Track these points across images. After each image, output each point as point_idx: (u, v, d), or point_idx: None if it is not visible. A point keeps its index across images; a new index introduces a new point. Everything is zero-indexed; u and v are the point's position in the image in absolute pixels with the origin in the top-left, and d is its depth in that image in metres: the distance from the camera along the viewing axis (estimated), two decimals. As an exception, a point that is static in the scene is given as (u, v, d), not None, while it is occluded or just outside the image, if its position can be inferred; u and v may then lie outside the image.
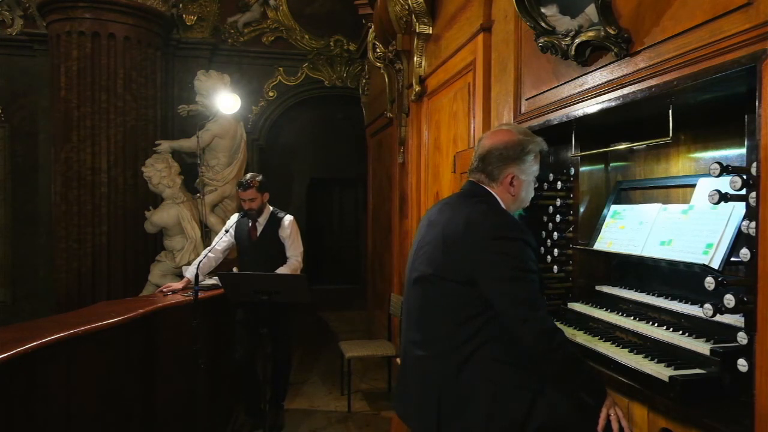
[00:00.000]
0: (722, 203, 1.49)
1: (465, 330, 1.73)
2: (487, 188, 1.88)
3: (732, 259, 1.64)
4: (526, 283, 1.69)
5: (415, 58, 3.92)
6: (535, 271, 1.73)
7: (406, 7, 3.78)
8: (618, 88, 1.88)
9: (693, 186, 1.98)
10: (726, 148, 1.86)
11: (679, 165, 2.11)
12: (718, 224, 1.73)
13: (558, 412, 1.69)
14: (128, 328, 2.91)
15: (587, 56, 2.02)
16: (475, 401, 1.69)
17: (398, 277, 4.64)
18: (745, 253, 1.41)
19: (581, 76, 2.09)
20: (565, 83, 2.20)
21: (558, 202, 2.46)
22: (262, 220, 4.02)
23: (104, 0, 5.87)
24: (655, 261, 2.02)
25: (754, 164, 1.37)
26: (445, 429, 1.72)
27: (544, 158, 1.96)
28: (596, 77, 2.00)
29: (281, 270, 3.90)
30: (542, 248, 2.54)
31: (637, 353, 1.79)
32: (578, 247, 2.41)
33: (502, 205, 1.87)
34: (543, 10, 2.09)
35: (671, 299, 1.92)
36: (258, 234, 4.01)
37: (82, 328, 2.54)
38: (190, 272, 3.82)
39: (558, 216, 2.46)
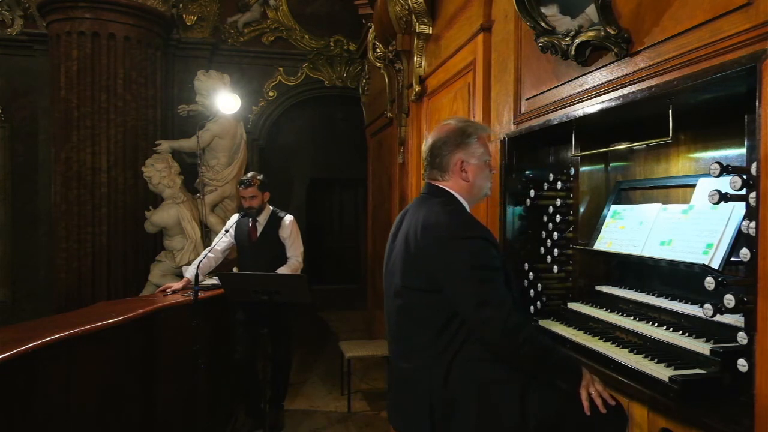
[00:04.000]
0: (722, 203, 1.49)
1: (442, 337, 1.71)
2: (443, 186, 1.87)
3: (732, 259, 1.64)
4: (486, 283, 1.67)
5: (415, 58, 3.92)
6: (496, 268, 1.70)
7: (406, 7, 3.78)
8: (618, 88, 1.88)
9: (693, 186, 1.98)
10: (726, 148, 1.87)
11: (679, 165, 2.11)
12: (718, 224, 1.73)
13: (551, 400, 1.69)
14: (128, 328, 2.91)
15: (587, 56, 2.02)
16: (465, 405, 1.69)
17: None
18: (745, 253, 1.41)
19: (581, 76, 2.09)
20: (565, 83, 2.20)
21: (558, 202, 2.46)
22: (262, 220, 4.02)
23: (104, 0, 5.87)
24: (655, 261, 2.02)
25: (754, 164, 1.37)
26: None
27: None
28: (596, 77, 2.01)
29: (281, 270, 3.90)
30: (542, 248, 2.54)
31: (637, 353, 1.79)
32: (578, 247, 2.41)
33: (461, 200, 1.85)
34: (543, 10, 2.09)
35: (671, 299, 1.93)
36: (258, 234, 4.01)
37: (82, 328, 2.54)
38: (190, 272, 3.82)
39: (558, 216, 2.46)
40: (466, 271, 1.66)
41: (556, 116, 2.23)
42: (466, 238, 1.70)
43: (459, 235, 1.70)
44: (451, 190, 1.86)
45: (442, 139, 1.87)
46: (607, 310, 2.15)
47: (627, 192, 2.39)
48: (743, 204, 1.44)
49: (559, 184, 2.46)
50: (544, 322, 2.33)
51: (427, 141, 1.93)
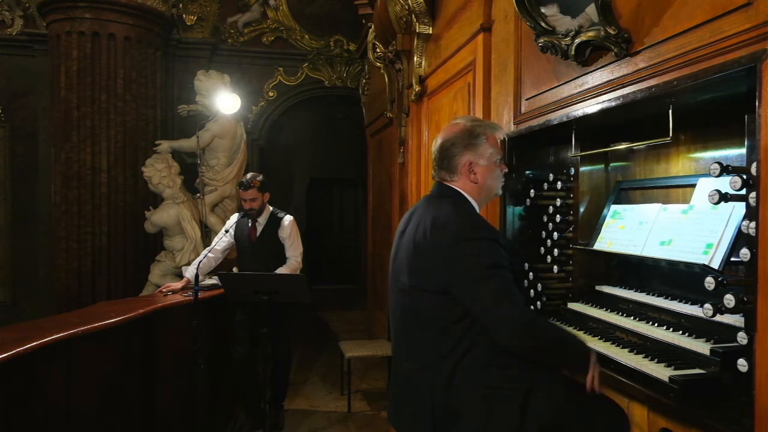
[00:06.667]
0: (722, 203, 1.49)
1: (448, 339, 1.71)
2: (453, 186, 1.84)
3: (732, 259, 1.64)
4: (499, 280, 1.66)
5: (415, 58, 3.92)
6: (506, 266, 1.69)
7: (406, 7, 3.78)
8: (618, 88, 1.88)
9: (693, 186, 1.98)
10: (726, 148, 1.87)
11: (679, 165, 2.11)
12: (718, 224, 1.73)
13: (554, 405, 1.68)
14: (128, 328, 2.91)
15: (587, 56, 2.02)
16: (468, 409, 1.68)
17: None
18: (745, 253, 1.41)
19: (581, 76, 2.09)
20: (565, 83, 2.20)
21: (558, 202, 2.46)
22: (262, 220, 4.02)
23: (104, 0, 5.87)
24: (655, 261, 2.02)
25: (754, 164, 1.37)
26: None
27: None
28: (596, 77, 2.01)
29: (281, 270, 3.90)
30: (542, 248, 2.54)
31: (637, 353, 1.79)
32: (578, 247, 2.41)
33: (471, 201, 1.83)
34: (543, 10, 2.10)
35: (671, 299, 1.93)
36: (258, 234, 4.01)
37: (82, 328, 2.54)
38: (189, 272, 3.82)
39: (558, 216, 2.46)
40: (478, 271, 1.65)
41: (556, 116, 2.23)
42: (477, 239, 1.69)
43: (469, 237, 1.69)
44: (460, 191, 1.83)
45: (450, 139, 1.84)
46: (607, 310, 2.15)
47: (627, 192, 2.39)
48: (743, 204, 1.44)
49: (559, 184, 2.46)
50: (544, 322, 2.33)
51: (437, 141, 1.90)
